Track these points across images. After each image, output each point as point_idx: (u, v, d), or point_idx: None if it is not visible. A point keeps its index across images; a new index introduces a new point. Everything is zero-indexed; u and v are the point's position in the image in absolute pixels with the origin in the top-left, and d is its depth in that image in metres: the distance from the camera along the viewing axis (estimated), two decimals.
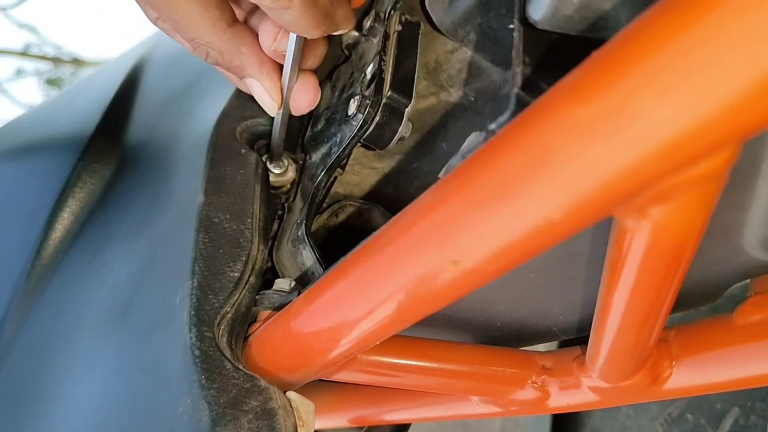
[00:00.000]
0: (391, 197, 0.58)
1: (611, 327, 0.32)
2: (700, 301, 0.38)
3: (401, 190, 0.57)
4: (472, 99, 0.53)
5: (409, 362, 0.42)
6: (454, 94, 0.53)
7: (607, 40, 0.22)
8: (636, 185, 0.21)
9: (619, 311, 0.31)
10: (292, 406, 0.38)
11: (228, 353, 0.40)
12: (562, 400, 0.41)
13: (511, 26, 0.31)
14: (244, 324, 0.43)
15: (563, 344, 0.46)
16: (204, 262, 0.43)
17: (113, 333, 0.47)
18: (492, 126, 0.30)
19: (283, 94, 0.46)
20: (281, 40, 0.43)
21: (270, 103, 0.46)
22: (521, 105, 0.29)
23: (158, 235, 0.49)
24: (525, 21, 0.29)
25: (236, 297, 0.43)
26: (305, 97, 0.48)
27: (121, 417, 0.43)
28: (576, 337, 0.44)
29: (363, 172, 0.57)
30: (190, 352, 0.39)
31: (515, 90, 0.29)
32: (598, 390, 0.39)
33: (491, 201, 0.24)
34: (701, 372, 0.36)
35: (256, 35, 0.44)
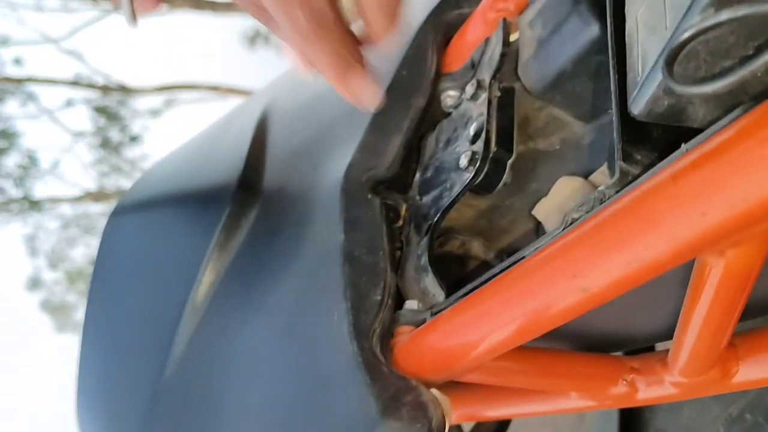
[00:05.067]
0: (485, 228, 0.69)
1: (691, 334, 0.43)
2: (764, 312, 0.48)
3: (494, 223, 0.68)
4: (557, 147, 0.64)
5: (523, 366, 0.52)
6: (541, 144, 0.64)
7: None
8: (719, 238, 0.31)
9: (698, 323, 0.41)
10: (438, 400, 0.49)
11: (383, 359, 0.51)
12: (648, 393, 0.51)
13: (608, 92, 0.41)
14: (388, 338, 0.53)
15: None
16: (353, 288, 0.54)
17: (278, 350, 0.57)
18: (601, 188, 0.41)
19: None
20: None
21: None
22: (623, 173, 0.40)
23: (306, 270, 0.60)
24: (624, 113, 0.40)
25: (381, 316, 0.53)
26: None
27: (297, 412, 0.54)
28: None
29: (462, 209, 0.68)
30: (353, 359, 0.50)
31: (620, 163, 0.40)
32: (679, 384, 0.49)
33: (615, 246, 0.35)
34: (762, 370, 0.46)
35: None
